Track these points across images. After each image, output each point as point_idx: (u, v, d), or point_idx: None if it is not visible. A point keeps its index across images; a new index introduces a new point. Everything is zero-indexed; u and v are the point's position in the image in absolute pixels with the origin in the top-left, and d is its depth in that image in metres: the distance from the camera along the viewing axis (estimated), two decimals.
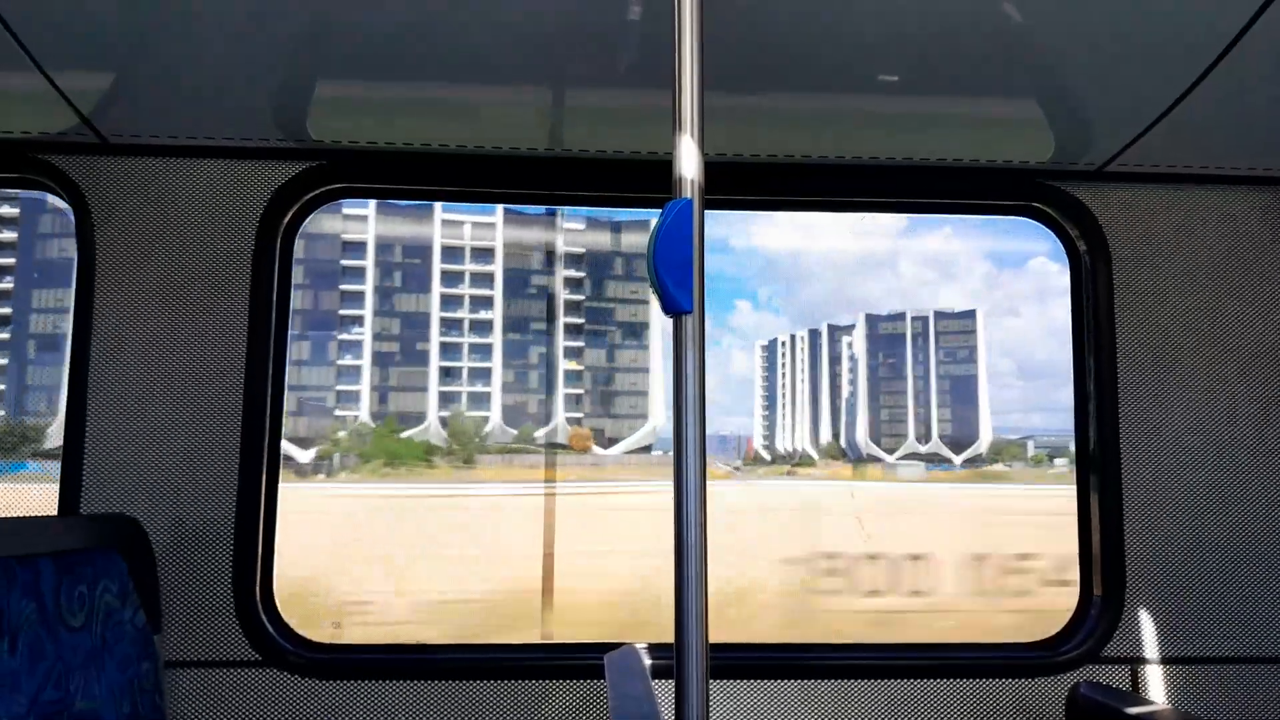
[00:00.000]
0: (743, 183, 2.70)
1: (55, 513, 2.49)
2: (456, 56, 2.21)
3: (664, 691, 2.28)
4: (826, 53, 2.19)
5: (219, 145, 2.55)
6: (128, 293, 2.54)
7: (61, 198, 2.58)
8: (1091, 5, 1.99)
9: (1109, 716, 2.31)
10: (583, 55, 2.21)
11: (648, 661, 2.51)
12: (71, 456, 2.48)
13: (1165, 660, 2.64)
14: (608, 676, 2.02)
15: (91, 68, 2.26)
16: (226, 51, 2.18)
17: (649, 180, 2.64)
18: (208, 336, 2.54)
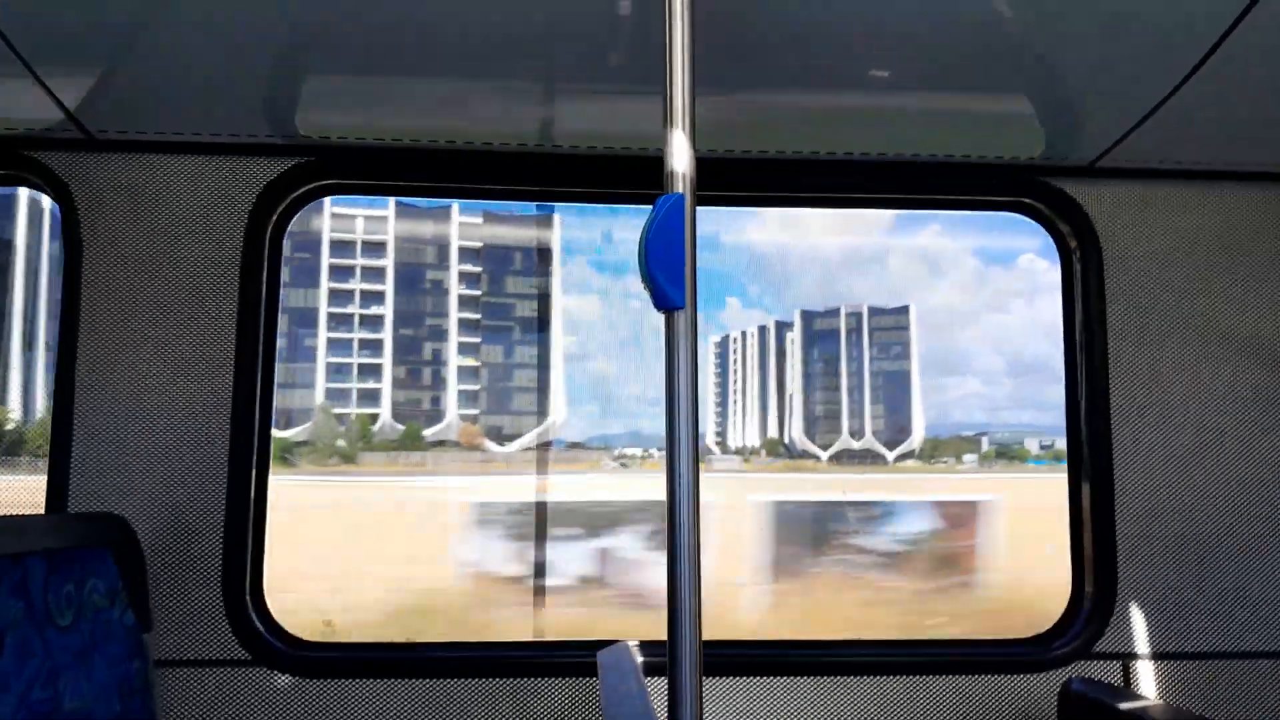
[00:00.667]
0: (734, 179, 2.70)
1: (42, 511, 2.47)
2: (447, 51, 2.20)
3: (657, 689, 2.28)
4: (817, 49, 2.19)
5: (207, 141, 2.53)
6: (115, 289, 2.52)
7: (47, 194, 2.56)
8: (1081, 1, 1.99)
9: (1101, 712, 2.32)
10: (574, 51, 2.20)
11: (640, 659, 2.50)
12: (59, 454, 2.47)
13: (1157, 656, 2.65)
14: (600, 673, 2.02)
15: (77, 63, 2.24)
16: (214, 46, 2.16)
17: (641, 176, 2.63)
18: (196, 333, 2.53)
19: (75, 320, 2.50)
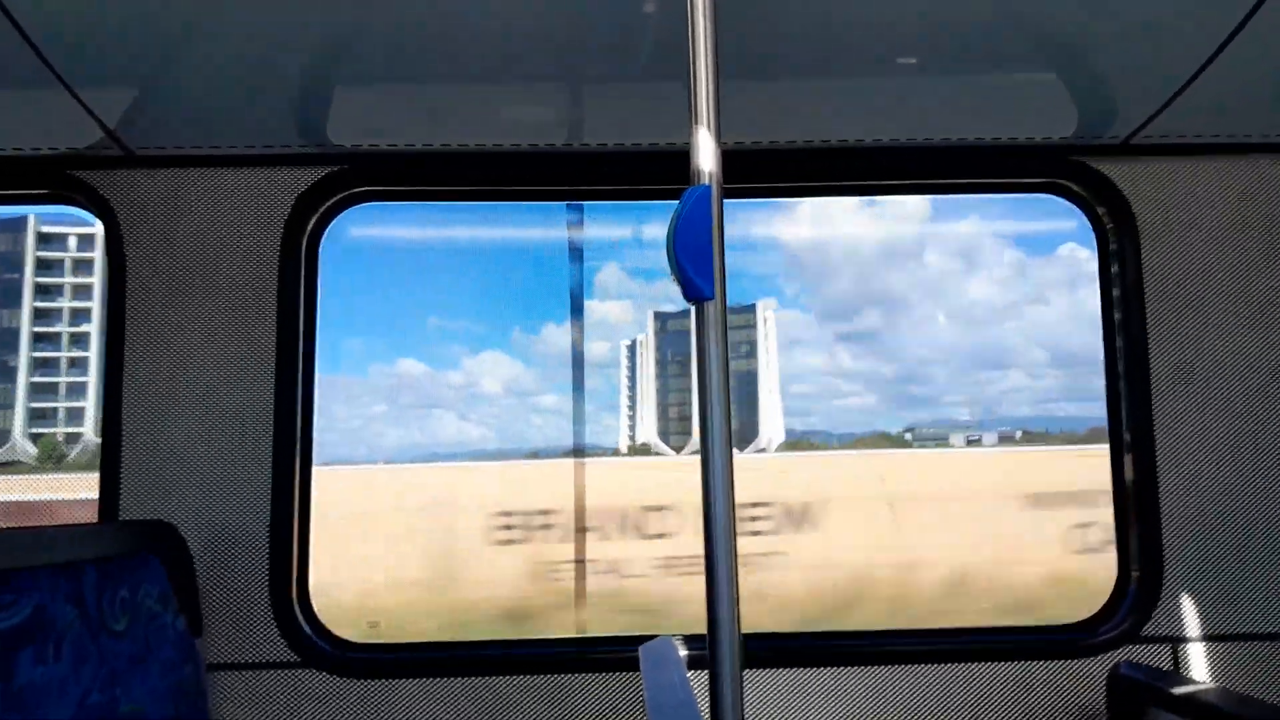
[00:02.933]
0: (762, 170, 2.69)
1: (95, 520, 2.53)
2: (473, 57, 2.22)
3: (699, 682, 2.28)
4: (841, 36, 2.18)
5: (242, 153, 2.57)
6: (158, 302, 2.57)
7: (90, 211, 2.62)
8: None
9: (1151, 695, 2.29)
10: (599, 50, 2.21)
11: (683, 652, 2.51)
12: (109, 464, 2.52)
13: (1206, 638, 2.61)
14: (643, 668, 2.03)
15: (115, 82, 2.29)
16: (246, 59, 2.20)
17: (670, 171, 2.64)
18: (237, 342, 2.57)
19: (121, 334, 2.56)
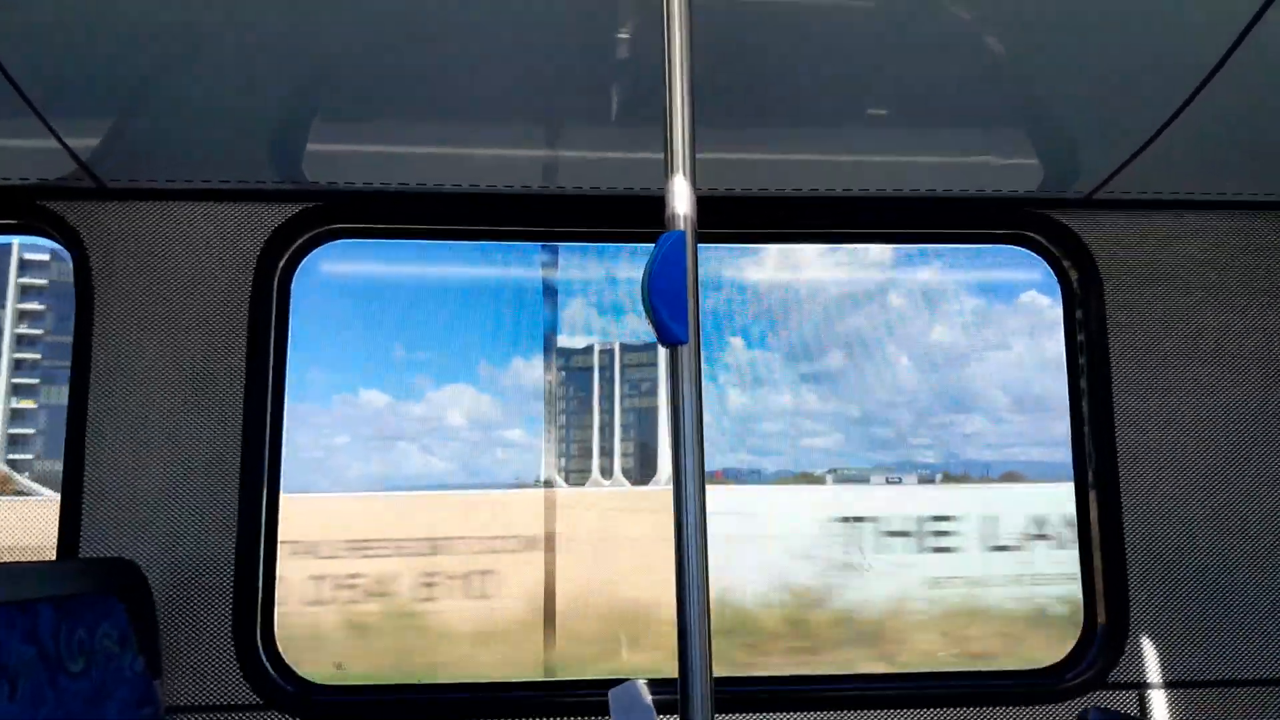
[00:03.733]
0: (734, 217, 2.73)
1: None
2: (451, 98, 2.24)
3: None
4: (814, 87, 2.22)
5: (216, 188, 2.57)
6: (126, 336, 2.55)
7: (60, 243, 2.60)
8: (1074, 36, 2.02)
9: None
10: (576, 94, 2.24)
11: (650, 697, 2.49)
12: (70, 500, 2.48)
13: (1173, 684, 2.62)
14: (612, 712, 2.01)
15: (89, 114, 2.28)
16: (223, 95, 2.21)
17: (644, 216, 2.66)
18: (206, 379, 2.55)
19: (87, 367, 2.52)
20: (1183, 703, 2.62)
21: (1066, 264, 2.80)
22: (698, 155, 1.36)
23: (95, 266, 2.56)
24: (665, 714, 2.45)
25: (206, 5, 1.91)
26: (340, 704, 2.52)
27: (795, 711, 2.56)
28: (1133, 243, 2.77)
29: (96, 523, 2.48)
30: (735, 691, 2.60)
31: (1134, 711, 2.62)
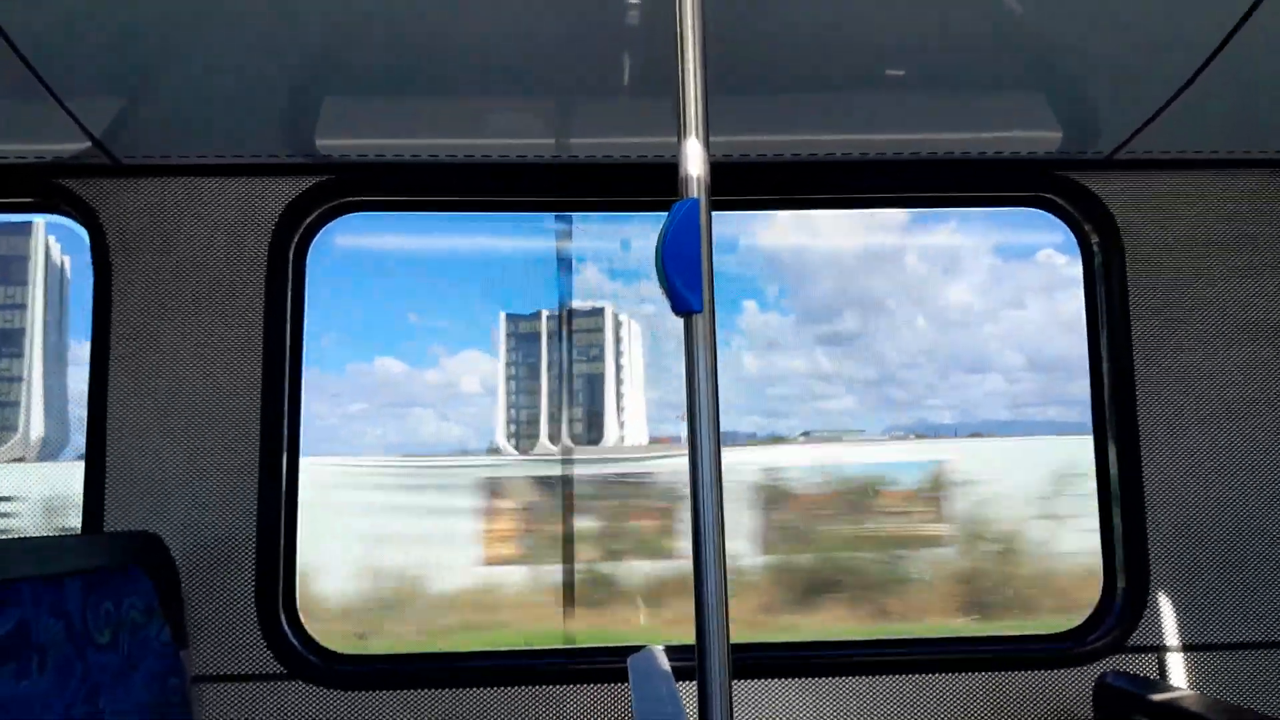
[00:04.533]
0: (749, 183, 2.71)
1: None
2: (463, 68, 2.23)
3: (687, 692, 2.28)
4: (829, 50, 2.19)
5: (230, 163, 2.57)
6: (144, 311, 2.56)
7: (77, 220, 2.61)
8: None
9: (1137, 705, 2.30)
10: (588, 62, 2.22)
11: (669, 663, 2.51)
12: (93, 475, 2.51)
13: (1192, 647, 2.62)
14: (631, 678, 2.03)
15: (102, 91, 2.28)
16: (235, 69, 2.20)
17: (658, 183, 2.65)
18: (224, 353, 2.56)
19: (106, 344, 2.54)
20: (1202, 666, 2.62)
21: (1087, 226, 2.77)
22: (711, 121, 1.34)
23: (112, 243, 2.57)
24: (683, 680, 2.48)
25: None
26: (362, 672, 2.55)
27: (812, 677, 2.58)
28: (1154, 203, 2.73)
29: (120, 496, 2.51)
30: (752, 657, 2.61)
31: (1153, 675, 2.62)
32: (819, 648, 2.72)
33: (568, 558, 3.63)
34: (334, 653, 2.59)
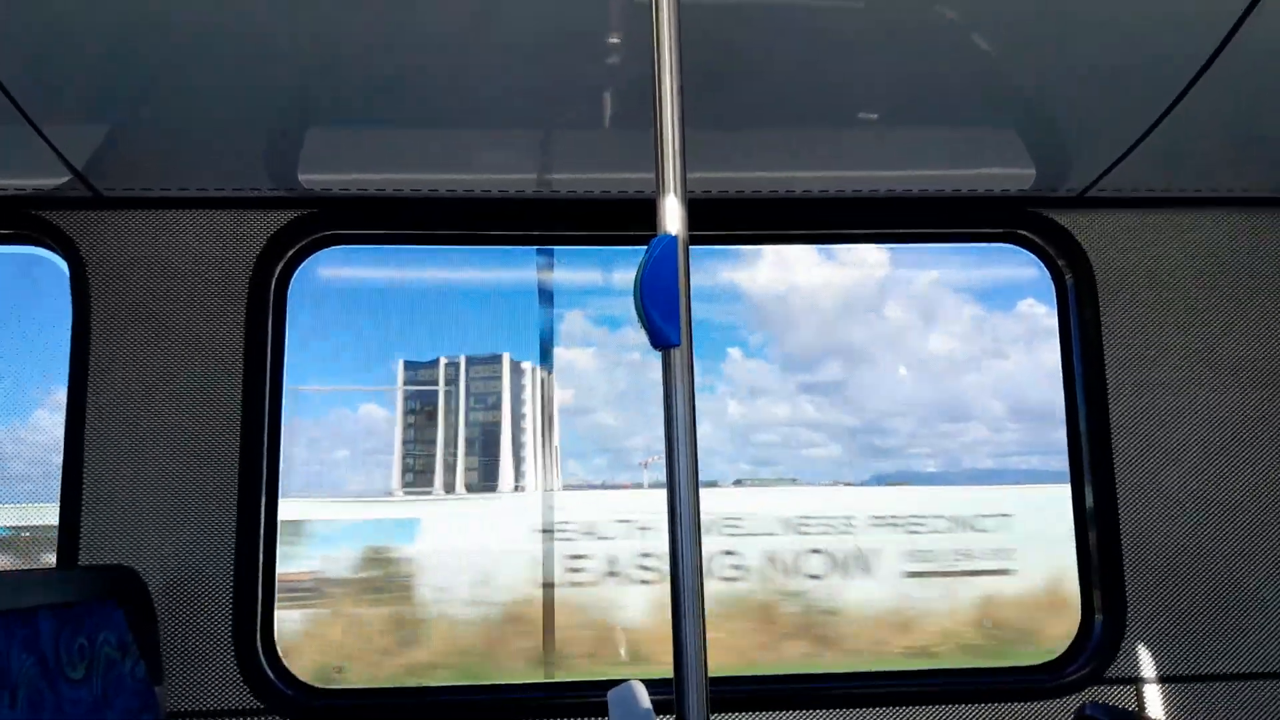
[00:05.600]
0: (727, 218, 2.74)
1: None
2: (445, 104, 2.25)
3: None
4: (806, 88, 2.23)
5: (212, 196, 2.58)
6: (123, 344, 2.55)
7: (56, 252, 2.60)
8: (1064, 34, 2.03)
9: None
10: (569, 100, 2.24)
11: (649, 697, 2.50)
12: (69, 508, 2.48)
13: (1170, 679, 2.63)
14: (611, 714, 2.02)
15: (84, 122, 2.29)
16: (218, 103, 2.21)
17: (638, 219, 2.67)
18: (203, 386, 2.55)
19: (84, 376, 2.53)
20: (1180, 697, 2.63)
21: (1061, 262, 2.81)
22: (689, 158, 1.36)
23: (92, 275, 2.57)
24: (663, 714, 2.46)
25: (200, 14, 1.92)
26: (339, 707, 2.53)
27: (791, 710, 2.57)
28: (1126, 240, 2.78)
29: (95, 530, 2.48)
30: (731, 691, 2.61)
31: (1131, 706, 2.62)
32: (799, 680, 2.71)
33: None
34: (311, 687, 2.56)
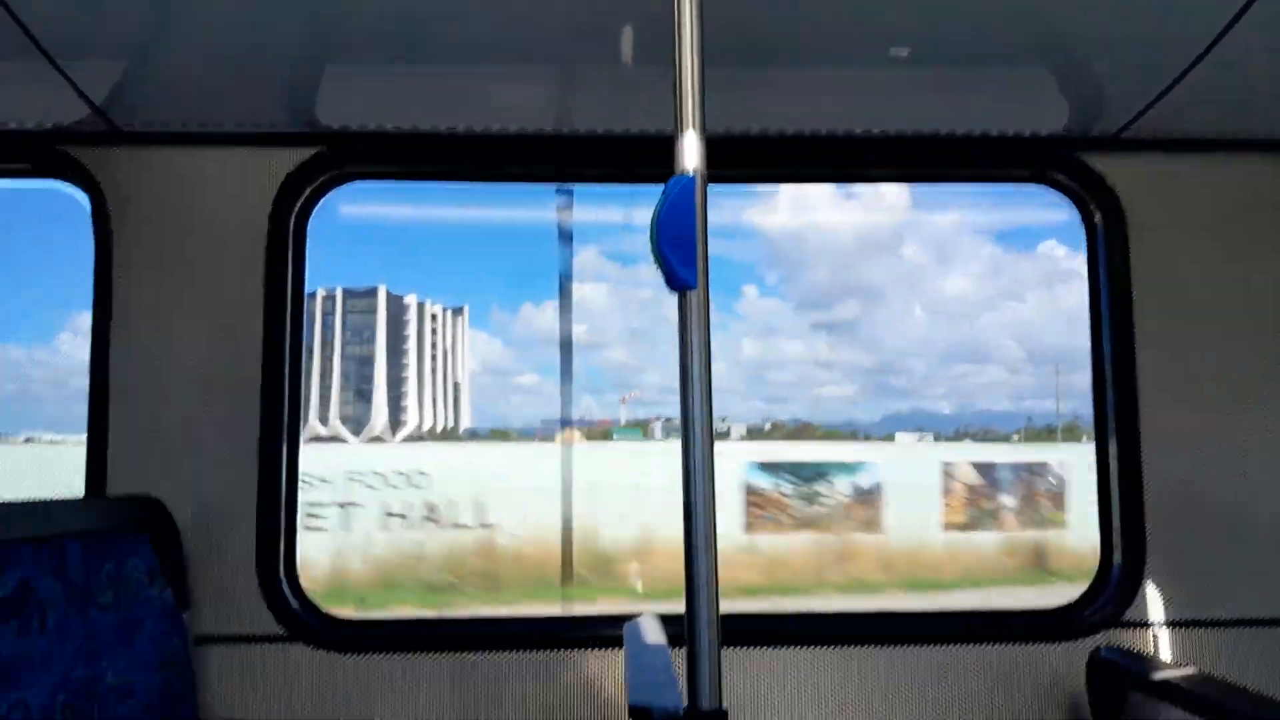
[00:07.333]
0: (748, 158, 2.70)
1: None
2: (462, 39, 2.22)
3: (682, 659, 2.31)
4: (832, 24, 2.18)
5: (231, 132, 2.57)
6: (145, 279, 2.57)
7: (77, 187, 2.61)
8: None
9: (1130, 679, 2.32)
10: (587, 33, 2.20)
11: (664, 630, 2.54)
12: (95, 439, 2.53)
13: (1186, 623, 2.64)
14: (625, 646, 2.05)
15: (102, 57, 2.28)
16: (236, 38, 2.19)
17: (658, 157, 2.63)
18: (225, 320, 2.57)
19: (108, 310, 2.55)
20: (1196, 641, 2.64)
21: (1091, 205, 2.75)
22: (708, 96, 1.34)
23: (113, 210, 2.57)
24: (678, 646, 2.50)
25: None
26: (362, 635, 2.59)
27: (805, 646, 2.60)
28: (1162, 185, 2.72)
29: (122, 461, 2.53)
30: (744, 625, 2.64)
31: (1147, 650, 2.64)
32: (811, 618, 2.74)
33: None
34: (333, 616, 2.62)
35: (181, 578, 2.38)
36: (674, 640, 2.50)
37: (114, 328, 2.55)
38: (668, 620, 2.56)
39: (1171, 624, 2.65)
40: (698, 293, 1.30)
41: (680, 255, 1.29)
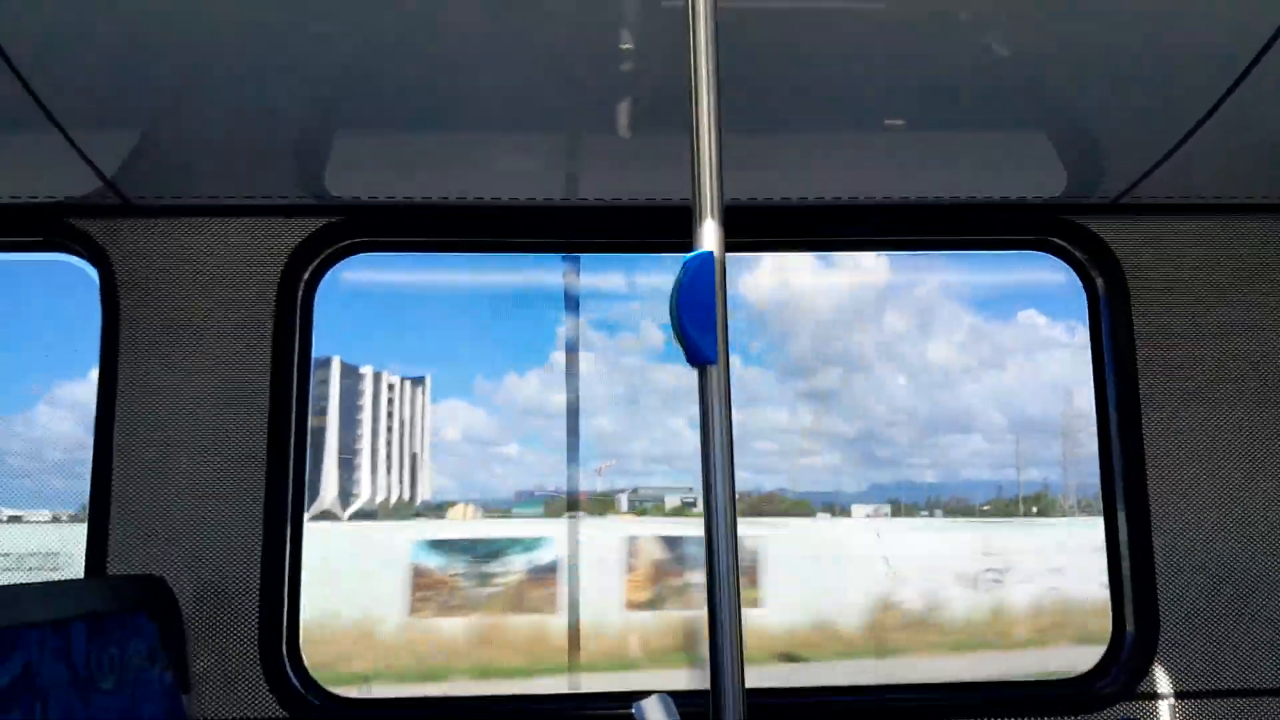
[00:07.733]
0: (758, 227, 2.71)
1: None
2: (472, 109, 2.24)
3: None
4: (835, 95, 2.21)
5: (240, 203, 2.58)
6: (152, 352, 2.56)
7: (85, 259, 2.61)
8: (1101, 38, 2.00)
9: None
10: (599, 104, 2.23)
11: (676, 711, 2.48)
12: (98, 517, 2.49)
13: (1200, 694, 2.59)
14: None
15: (113, 129, 2.30)
16: (246, 110, 2.21)
17: (670, 226, 2.65)
18: (231, 394, 2.56)
19: (113, 384, 2.53)
20: (1210, 713, 2.59)
21: (1093, 271, 2.77)
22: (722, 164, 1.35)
23: (121, 282, 2.57)
24: None
25: (227, 23, 1.92)
26: (365, 716, 2.53)
27: None
28: (1161, 249, 2.73)
29: (123, 539, 2.49)
30: (767, 703, 2.58)
31: None
32: (833, 693, 2.69)
33: None
34: (336, 696, 2.56)
35: (183, 659, 2.33)
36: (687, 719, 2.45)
37: (119, 401, 2.53)
38: (679, 698, 2.51)
39: (1187, 695, 2.60)
40: (718, 367, 1.30)
41: (700, 330, 1.29)
